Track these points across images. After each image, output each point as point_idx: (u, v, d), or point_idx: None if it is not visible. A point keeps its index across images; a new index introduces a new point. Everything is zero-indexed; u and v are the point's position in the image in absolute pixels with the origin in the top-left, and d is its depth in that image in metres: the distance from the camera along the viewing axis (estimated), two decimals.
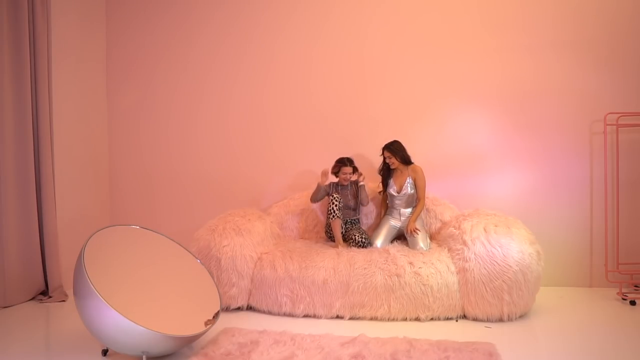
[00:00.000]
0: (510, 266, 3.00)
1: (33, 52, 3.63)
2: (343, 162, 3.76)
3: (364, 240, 3.56)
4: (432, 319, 3.10)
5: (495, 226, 3.20)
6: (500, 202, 3.90)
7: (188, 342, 2.52)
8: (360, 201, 3.81)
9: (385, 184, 3.75)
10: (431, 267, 3.12)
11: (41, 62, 3.65)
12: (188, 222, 4.27)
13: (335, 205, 3.61)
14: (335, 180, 3.84)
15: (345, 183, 3.79)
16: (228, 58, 4.37)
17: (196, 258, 2.95)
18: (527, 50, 3.93)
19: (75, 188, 4.15)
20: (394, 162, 3.63)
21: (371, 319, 3.11)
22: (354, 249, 3.49)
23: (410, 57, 4.10)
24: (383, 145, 3.67)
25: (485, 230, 3.18)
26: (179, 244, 2.89)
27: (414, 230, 3.49)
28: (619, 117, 3.74)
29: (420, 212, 3.63)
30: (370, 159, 4.00)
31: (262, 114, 4.33)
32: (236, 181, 4.37)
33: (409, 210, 3.65)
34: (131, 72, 4.51)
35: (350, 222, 3.80)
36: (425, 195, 3.68)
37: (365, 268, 3.15)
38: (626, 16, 3.80)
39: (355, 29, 4.16)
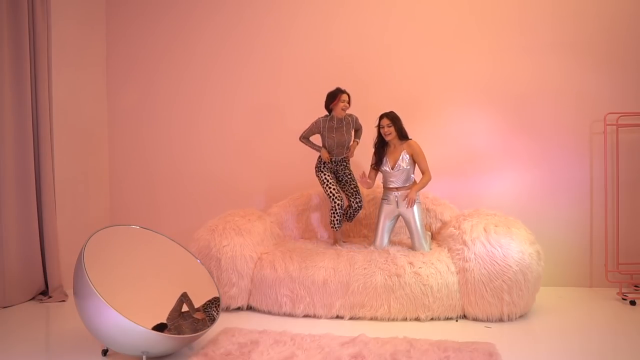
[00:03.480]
0: (510, 266, 3.00)
1: (33, 52, 3.64)
2: (340, 90, 3.55)
3: (358, 205, 3.73)
4: (432, 319, 3.10)
5: (495, 226, 3.20)
6: (500, 202, 3.90)
7: (188, 342, 2.52)
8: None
9: (379, 161, 3.54)
10: (431, 267, 3.12)
11: (41, 62, 3.65)
12: (188, 222, 4.27)
13: (336, 219, 3.62)
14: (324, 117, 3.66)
15: (342, 115, 3.58)
16: (230, 58, 4.37)
17: (196, 258, 2.95)
18: (527, 51, 3.93)
19: (75, 188, 4.15)
20: (390, 132, 3.44)
21: (371, 319, 3.11)
22: (354, 247, 3.50)
23: (410, 58, 4.10)
24: (380, 114, 3.51)
25: (485, 230, 3.18)
26: (179, 244, 2.89)
27: (412, 201, 3.41)
28: (619, 117, 3.74)
29: (426, 183, 3.46)
30: (369, 159, 3.98)
31: (263, 114, 4.34)
32: (236, 181, 4.38)
33: (406, 193, 3.49)
34: (131, 72, 4.51)
35: (341, 161, 3.72)
36: (425, 194, 3.65)
37: (365, 268, 3.15)
38: (625, 16, 3.80)
39: (354, 30, 4.17)
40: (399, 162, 3.47)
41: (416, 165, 3.53)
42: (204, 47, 4.40)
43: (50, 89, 3.75)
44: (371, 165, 3.64)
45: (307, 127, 3.70)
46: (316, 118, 3.67)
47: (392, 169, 3.49)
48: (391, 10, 4.12)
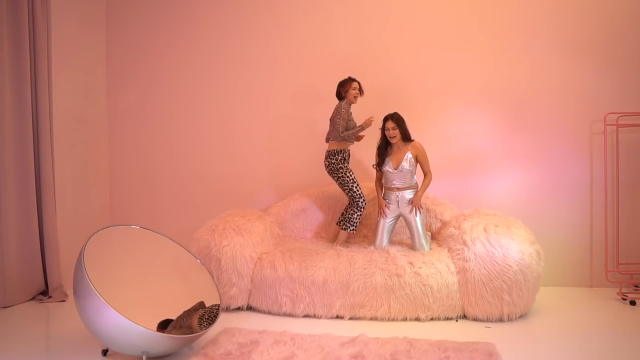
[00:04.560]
0: (510, 266, 3.00)
1: (33, 52, 3.63)
2: (351, 79, 3.62)
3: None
4: (432, 319, 3.10)
5: (495, 226, 3.21)
6: (500, 202, 3.90)
7: (188, 342, 2.52)
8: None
9: (381, 161, 3.55)
10: (431, 267, 3.12)
11: (41, 62, 3.65)
12: (188, 222, 4.27)
13: (358, 220, 3.63)
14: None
15: (355, 102, 3.65)
16: (229, 58, 4.36)
17: (196, 258, 2.95)
18: (527, 51, 3.93)
19: (75, 188, 4.15)
20: (396, 135, 3.45)
21: (371, 319, 3.11)
22: (354, 247, 3.50)
23: (410, 58, 4.10)
24: (384, 116, 3.52)
25: (485, 230, 3.19)
26: (179, 244, 2.89)
27: (419, 207, 3.46)
28: (619, 117, 3.74)
29: (428, 185, 3.52)
30: (369, 160, 3.98)
31: (263, 114, 4.33)
32: (237, 181, 4.38)
33: (408, 193, 3.51)
34: (132, 72, 4.51)
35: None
36: (425, 194, 3.66)
37: (365, 268, 3.15)
38: (625, 16, 3.80)
39: (354, 30, 4.17)
40: (402, 163, 3.47)
41: (418, 166, 3.54)
42: (204, 47, 4.40)
43: (50, 89, 3.75)
44: (374, 166, 3.65)
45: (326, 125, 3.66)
46: (338, 105, 3.62)
47: (396, 169, 3.49)
48: (390, 10, 4.12)
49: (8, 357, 2.59)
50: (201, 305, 2.71)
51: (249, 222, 3.55)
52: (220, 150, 4.41)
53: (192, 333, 2.52)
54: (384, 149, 3.57)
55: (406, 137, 3.51)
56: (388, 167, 3.52)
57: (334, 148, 3.62)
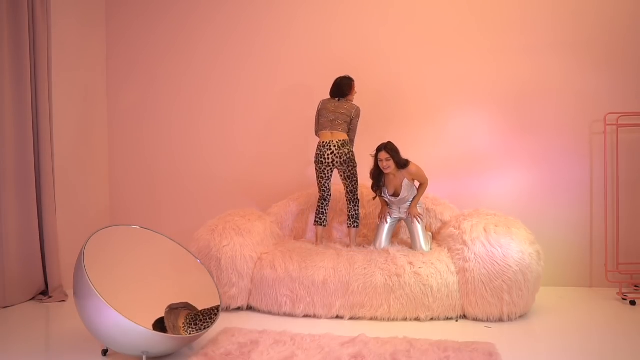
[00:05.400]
0: (510, 266, 3.00)
1: (33, 52, 3.63)
2: (351, 79, 3.71)
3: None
4: (432, 319, 3.10)
5: (495, 226, 3.21)
6: (500, 202, 3.90)
7: (188, 342, 2.52)
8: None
9: (377, 188, 3.54)
10: (431, 267, 3.13)
11: (41, 62, 3.65)
12: (188, 222, 4.27)
13: (358, 214, 3.66)
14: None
15: (352, 98, 3.72)
16: (229, 58, 4.37)
17: (196, 258, 2.95)
18: (526, 51, 3.93)
19: (75, 188, 4.15)
20: (390, 166, 3.36)
21: (371, 319, 3.11)
22: (354, 248, 3.50)
23: (410, 58, 4.10)
24: (377, 147, 3.45)
25: (485, 230, 3.18)
26: (179, 244, 2.89)
27: (417, 215, 3.46)
28: (619, 117, 3.74)
29: (423, 192, 3.50)
30: (369, 161, 3.98)
31: (263, 114, 4.34)
32: (236, 181, 4.38)
33: (409, 202, 3.53)
34: (132, 72, 4.52)
35: None
36: (425, 195, 3.66)
37: (365, 268, 3.15)
38: (625, 16, 3.80)
39: (354, 30, 4.17)
40: (401, 191, 3.47)
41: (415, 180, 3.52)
42: (204, 48, 4.40)
43: (50, 89, 3.75)
44: (374, 198, 3.64)
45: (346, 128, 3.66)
46: (355, 107, 3.66)
47: (396, 197, 3.50)
48: (390, 10, 4.12)
49: (8, 357, 2.59)
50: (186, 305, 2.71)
51: (249, 222, 3.55)
52: (221, 150, 4.41)
53: (178, 332, 2.52)
54: (379, 176, 3.50)
55: (401, 165, 3.41)
56: (387, 196, 3.53)
57: (347, 138, 3.65)
